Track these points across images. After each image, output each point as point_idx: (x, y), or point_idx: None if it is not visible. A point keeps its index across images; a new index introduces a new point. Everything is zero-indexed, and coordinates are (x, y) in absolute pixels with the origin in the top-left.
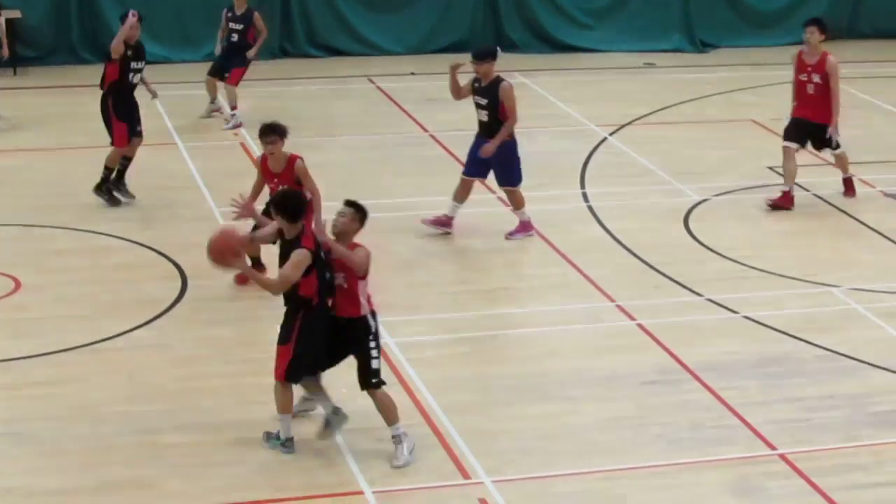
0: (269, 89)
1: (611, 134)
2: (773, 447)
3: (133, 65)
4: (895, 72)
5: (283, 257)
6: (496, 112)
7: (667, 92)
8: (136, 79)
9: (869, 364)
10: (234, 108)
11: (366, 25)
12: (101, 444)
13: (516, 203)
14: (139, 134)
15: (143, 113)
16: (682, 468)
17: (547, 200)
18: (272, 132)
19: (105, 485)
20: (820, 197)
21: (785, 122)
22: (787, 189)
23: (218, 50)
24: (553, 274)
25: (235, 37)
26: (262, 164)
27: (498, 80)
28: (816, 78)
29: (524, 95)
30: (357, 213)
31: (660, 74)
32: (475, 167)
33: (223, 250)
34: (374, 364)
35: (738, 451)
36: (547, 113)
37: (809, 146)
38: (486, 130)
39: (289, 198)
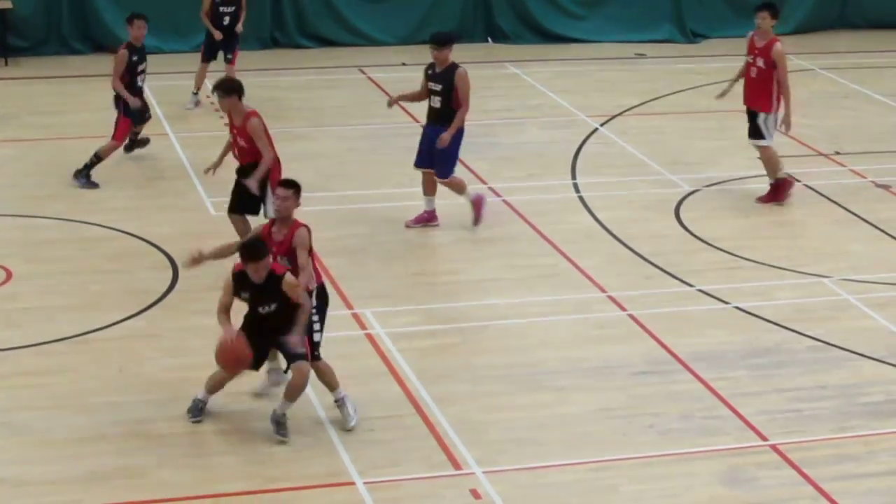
0: (260, 79)
1: (602, 124)
2: (764, 437)
3: (139, 67)
4: (886, 62)
5: (262, 296)
6: (449, 98)
7: (658, 82)
8: (142, 80)
9: (860, 354)
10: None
11: (357, 16)
12: (92, 434)
13: (458, 189)
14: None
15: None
16: (672, 459)
17: (538, 190)
18: (216, 89)
19: (96, 474)
20: (811, 187)
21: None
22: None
23: (218, 35)
24: (544, 264)
25: (227, 20)
26: (228, 116)
27: (454, 67)
28: (760, 62)
29: (515, 86)
30: (296, 191)
31: (651, 65)
32: (428, 157)
33: (237, 362)
34: (316, 337)
35: (728, 442)
36: (538, 103)
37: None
38: (437, 117)
39: (253, 245)
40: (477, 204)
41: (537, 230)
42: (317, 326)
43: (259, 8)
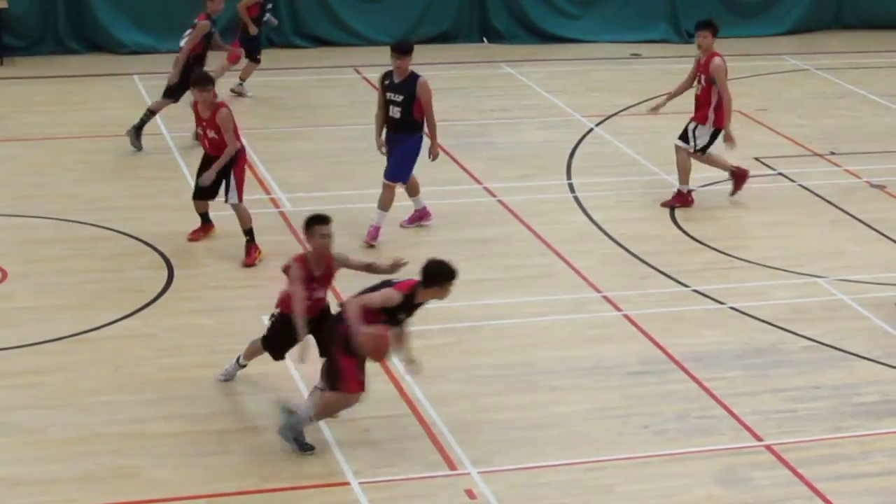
0: (256, 79)
1: (597, 124)
2: (759, 438)
3: (212, 40)
4: (881, 62)
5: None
6: (411, 108)
7: (653, 82)
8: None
9: (854, 355)
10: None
11: (352, 15)
12: (88, 434)
13: (412, 191)
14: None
15: (128, 104)
16: (667, 458)
17: (533, 191)
18: (199, 84)
19: (91, 474)
20: (806, 187)
21: (767, 113)
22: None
23: (254, 30)
24: (539, 264)
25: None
26: (194, 108)
27: (415, 76)
28: (703, 79)
29: (510, 86)
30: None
31: (646, 65)
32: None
33: (381, 351)
34: None
35: (723, 442)
36: (533, 103)
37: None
38: (397, 127)
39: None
40: (422, 214)
41: (532, 230)
42: None
43: None
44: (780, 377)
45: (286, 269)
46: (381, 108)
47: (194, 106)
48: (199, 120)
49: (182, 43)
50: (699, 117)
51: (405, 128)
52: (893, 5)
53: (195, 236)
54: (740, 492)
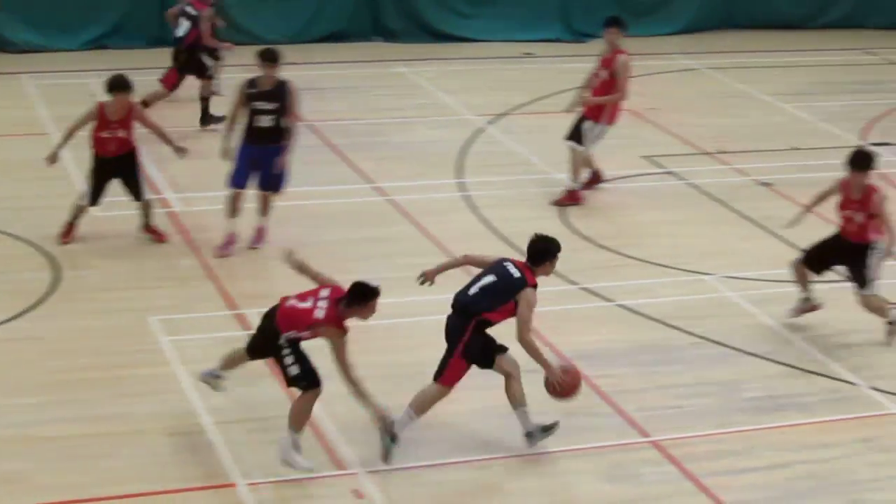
0: (143, 78)
1: (489, 123)
2: (646, 434)
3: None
4: (770, 62)
5: None
6: (283, 115)
7: (545, 81)
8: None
9: (740, 351)
10: None
11: (242, 13)
12: None
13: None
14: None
15: (14, 104)
16: (556, 456)
17: (424, 190)
18: (116, 88)
19: None
20: (695, 186)
21: (657, 112)
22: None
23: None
24: (429, 263)
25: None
26: (99, 110)
27: (285, 82)
28: (604, 74)
29: (403, 85)
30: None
31: (538, 64)
32: (246, 178)
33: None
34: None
35: (611, 439)
36: (426, 102)
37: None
38: (269, 136)
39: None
40: (262, 232)
41: (423, 229)
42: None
43: (146, 6)
44: (667, 374)
45: None
46: (233, 113)
47: (100, 108)
48: (104, 122)
49: (180, 33)
50: (595, 115)
51: (279, 137)
52: (783, 5)
53: (68, 239)
54: (628, 488)
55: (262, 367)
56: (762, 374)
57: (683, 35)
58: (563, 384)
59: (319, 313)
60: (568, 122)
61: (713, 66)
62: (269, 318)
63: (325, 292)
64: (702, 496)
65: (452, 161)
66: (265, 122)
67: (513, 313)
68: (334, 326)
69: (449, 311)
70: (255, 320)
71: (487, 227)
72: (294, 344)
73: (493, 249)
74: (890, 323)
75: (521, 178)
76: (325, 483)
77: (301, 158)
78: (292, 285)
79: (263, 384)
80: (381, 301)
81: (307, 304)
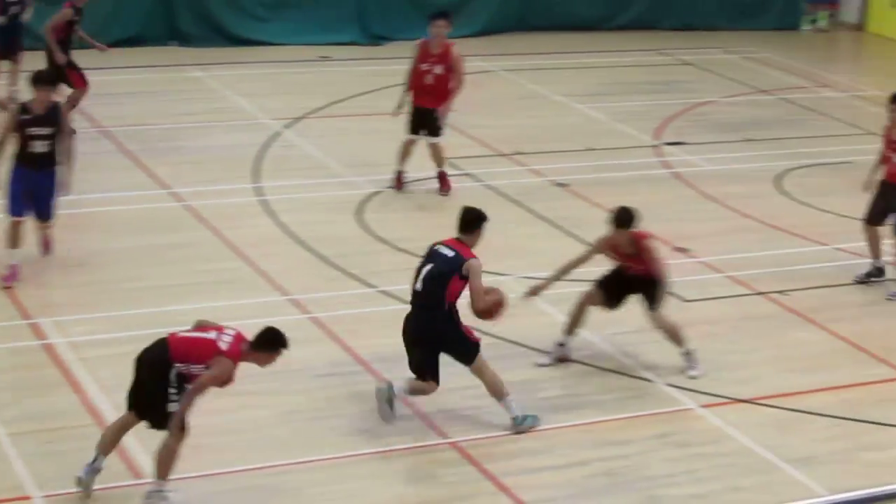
0: None
1: (285, 127)
2: (444, 435)
3: (74, 27)
4: (565, 63)
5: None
6: (57, 138)
7: (342, 85)
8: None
9: (537, 350)
10: None
11: (35, 18)
12: None
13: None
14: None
15: None
16: (356, 459)
17: (219, 195)
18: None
19: None
20: (492, 187)
21: (454, 114)
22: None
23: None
24: (226, 268)
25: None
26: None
27: (57, 104)
28: (439, 69)
29: (199, 89)
30: None
31: (335, 67)
32: (24, 205)
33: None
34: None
35: (410, 441)
36: (221, 106)
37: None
38: (45, 161)
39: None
40: (47, 243)
41: (220, 234)
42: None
43: None
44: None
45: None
46: (8, 142)
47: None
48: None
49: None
50: (437, 104)
51: (53, 161)
52: (577, 7)
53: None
54: (427, 489)
55: (57, 377)
56: (559, 374)
57: (479, 37)
58: (495, 305)
59: (223, 345)
60: (356, 124)
61: (508, 67)
62: (151, 353)
63: (230, 330)
64: (502, 496)
65: (249, 165)
66: (41, 147)
67: (463, 288)
68: (232, 362)
69: (243, 317)
70: (51, 329)
71: (284, 231)
72: (181, 382)
73: (290, 253)
74: None
75: (318, 182)
76: (122, 493)
77: (95, 164)
78: (83, 295)
79: (56, 394)
80: (178, 308)
81: (210, 336)
